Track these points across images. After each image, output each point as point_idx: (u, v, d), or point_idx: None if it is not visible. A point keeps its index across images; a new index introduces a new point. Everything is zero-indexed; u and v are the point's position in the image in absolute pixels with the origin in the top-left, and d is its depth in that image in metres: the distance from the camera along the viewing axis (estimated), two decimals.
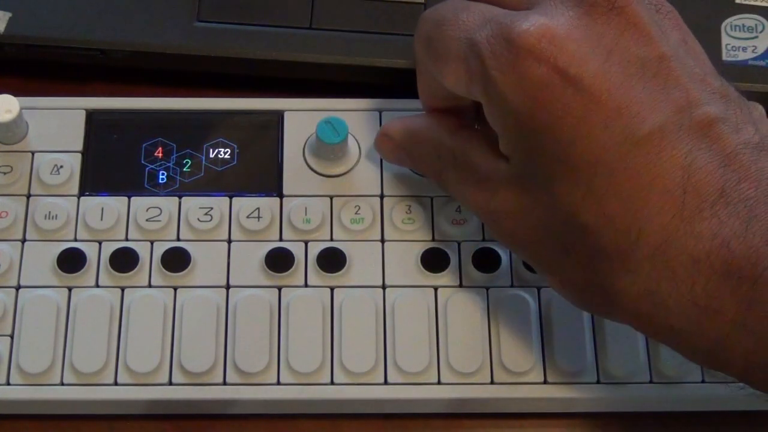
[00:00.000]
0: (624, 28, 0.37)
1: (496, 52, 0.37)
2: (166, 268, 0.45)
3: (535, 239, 0.40)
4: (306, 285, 0.46)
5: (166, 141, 0.48)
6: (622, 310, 0.38)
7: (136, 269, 0.45)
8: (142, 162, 0.48)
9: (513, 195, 0.40)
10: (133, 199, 0.47)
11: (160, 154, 0.48)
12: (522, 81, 0.37)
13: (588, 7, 0.37)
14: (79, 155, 0.48)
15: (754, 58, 0.50)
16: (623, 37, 0.37)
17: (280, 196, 0.47)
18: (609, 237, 0.36)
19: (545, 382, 0.44)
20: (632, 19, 0.37)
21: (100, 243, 0.46)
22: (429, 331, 0.45)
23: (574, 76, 0.36)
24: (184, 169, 0.48)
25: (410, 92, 0.50)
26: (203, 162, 0.48)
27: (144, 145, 0.48)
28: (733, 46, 0.50)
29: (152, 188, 0.47)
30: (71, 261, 0.45)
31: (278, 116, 0.49)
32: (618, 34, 0.37)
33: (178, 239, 0.46)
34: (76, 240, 0.46)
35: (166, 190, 0.47)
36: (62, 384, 0.44)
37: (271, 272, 0.46)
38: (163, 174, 0.48)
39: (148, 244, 0.46)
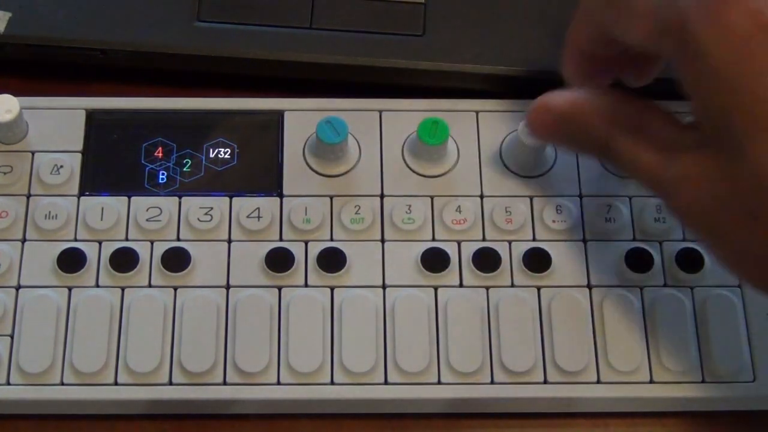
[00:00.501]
0: None
1: (699, 3, 0.36)
2: (166, 268, 0.45)
3: (717, 208, 0.38)
4: (306, 285, 0.46)
5: (166, 141, 0.48)
6: None
7: (136, 269, 0.45)
8: (142, 162, 0.48)
9: (699, 160, 0.38)
10: (133, 199, 0.47)
11: (160, 154, 0.48)
12: (725, 33, 0.36)
13: None
14: (79, 155, 0.48)
15: None
16: None
17: (280, 196, 0.47)
18: None
19: (545, 382, 0.44)
20: None
21: (100, 243, 0.46)
22: (429, 331, 0.45)
23: None
24: (184, 169, 0.48)
25: (410, 92, 0.50)
26: (203, 162, 0.48)
27: (144, 145, 0.48)
28: None
29: (152, 188, 0.47)
30: (71, 261, 0.45)
31: (278, 116, 0.49)
32: None
33: (178, 239, 0.46)
34: (76, 240, 0.46)
35: (166, 190, 0.47)
36: (62, 384, 0.44)
37: (271, 272, 0.46)
38: (163, 174, 0.48)
39: (148, 244, 0.46)
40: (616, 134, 0.41)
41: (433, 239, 0.47)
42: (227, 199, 0.47)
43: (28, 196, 0.47)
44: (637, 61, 0.44)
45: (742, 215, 0.37)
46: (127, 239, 0.46)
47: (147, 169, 0.48)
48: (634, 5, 0.39)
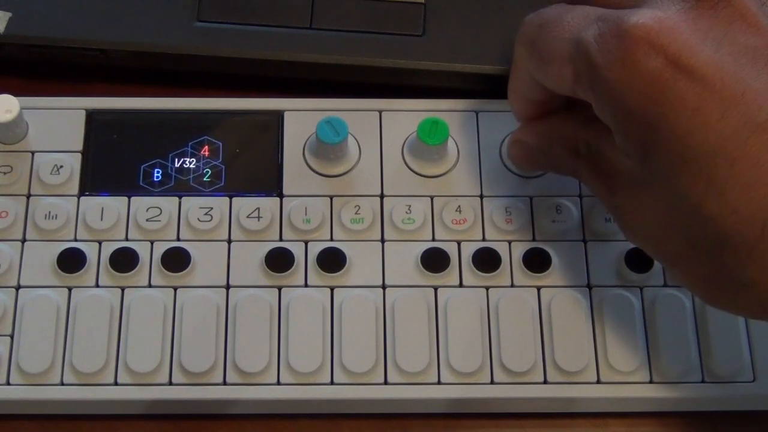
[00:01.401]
0: (732, 18, 0.37)
1: (606, 49, 0.37)
2: (166, 268, 0.45)
3: (660, 234, 0.39)
4: (306, 285, 0.46)
5: (166, 141, 0.48)
6: (753, 301, 0.37)
7: (136, 269, 0.45)
8: (142, 162, 0.48)
9: (635, 191, 0.40)
10: (133, 199, 0.47)
11: (160, 154, 0.48)
12: (634, 76, 0.37)
13: (695, 1, 0.37)
14: (79, 155, 0.48)
15: None
16: (732, 28, 0.37)
17: (280, 196, 0.47)
18: (734, 227, 0.36)
19: (545, 382, 0.44)
20: (740, 10, 0.37)
21: (100, 243, 0.46)
22: (429, 331, 0.45)
23: (687, 65, 0.36)
24: (184, 169, 0.48)
25: (410, 92, 0.50)
26: (203, 162, 0.48)
27: (143, 145, 0.48)
28: None
29: (152, 188, 0.47)
30: (71, 261, 0.45)
31: (278, 116, 0.49)
32: (727, 24, 0.37)
33: (178, 239, 0.46)
34: (76, 240, 0.46)
35: (166, 190, 0.47)
36: (62, 384, 0.44)
37: (271, 272, 0.46)
38: (163, 174, 0.48)
39: (148, 244, 0.46)
40: (579, 164, 0.43)
41: (433, 239, 0.47)
42: (227, 199, 0.47)
43: (28, 196, 0.47)
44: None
45: (682, 243, 0.38)
46: (127, 239, 0.46)
47: (146, 169, 0.48)
48: (549, 54, 0.40)
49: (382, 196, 0.48)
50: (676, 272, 0.40)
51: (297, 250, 0.46)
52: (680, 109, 0.36)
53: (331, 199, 0.47)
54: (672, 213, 0.38)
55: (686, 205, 0.37)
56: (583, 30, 0.39)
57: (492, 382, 0.44)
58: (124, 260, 0.46)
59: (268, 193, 0.48)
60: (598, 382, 0.44)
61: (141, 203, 0.47)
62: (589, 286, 0.46)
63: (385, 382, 0.44)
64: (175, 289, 0.45)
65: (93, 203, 0.47)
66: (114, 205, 0.47)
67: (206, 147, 0.48)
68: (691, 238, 0.38)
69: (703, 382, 0.45)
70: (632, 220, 0.41)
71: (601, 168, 0.42)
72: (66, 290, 0.45)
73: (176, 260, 0.46)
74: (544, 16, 0.41)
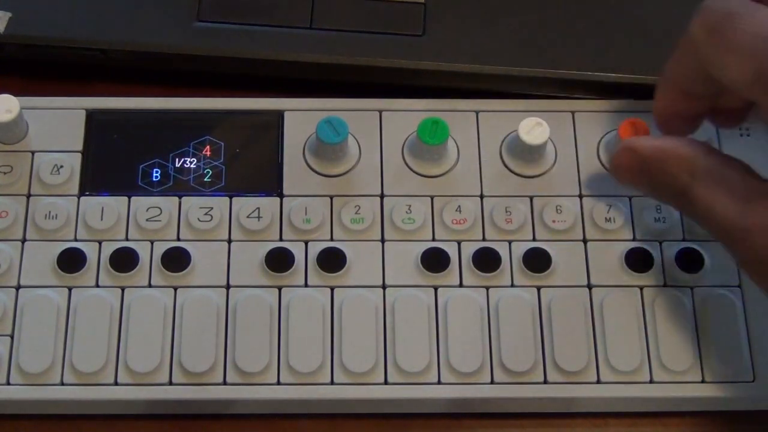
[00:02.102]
0: None
1: None
2: (166, 268, 0.45)
3: None
4: (306, 285, 0.46)
5: (166, 141, 0.48)
6: None
7: (136, 269, 0.45)
8: (142, 162, 0.48)
9: None
10: (133, 199, 0.47)
11: (160, 154, 0.48)
12: None
13: None
14: (79, 155, 0.48)
15: None
16: None
17: (280, 196, 0.47)
18: None
19: (545, 382, 0.44)
20: None
21: (100, 243, 0.46)
22: (429, 331, 0.45)
23: None
24: (184, 169, 0.48)
25: (410, 92, 0.50)
26: (203, 162, 0.48)
27: (144, 145, 0.48)
28: None
29: (152, 188, 0.47)
30: (71, 261, 0.45)
31: (278, 116, 0.49)
32: None
33: (178, 239, 0.46)
34: (76, 240, 0.46)
35: (166, 189, 0.47)
36: (62, 384, 0.44)
37: (271, 272, 0.46)
38: (163, 174, 0.48)
39: (148, 244, 0.46)
40: (695, 183, 0.41)
41: (433, 239, 0.47)
42: (227, 199, 0.47)
43: (28, 196, 0.47)
44: (730, 103, 0.44)
45: None
46: (127, 239, 0.46)
47: (146, 169, 0.48)
48: (734, 43, 0.39)
49: (382, 196, 0.48)
50: None
51: (297, 250, 0.46)
52: None
53: (331, 199, 0.47)
54: None
55: None
56: None
57: (492, 382, 0.44)
58: (124, 260, 0.46)
59: (268, 193, 0.48)
60: (598, 382, 0.44)
61: (141, 203, 0.47)
62: (589, 286, 0.46)
63: (385, 382, 0.44)
64: (175, 289, 0.45)
65: (93, 203, 0.47)
66: (114, 205, 0.47)
67: (207, 147, 0.48)
68: None
69: (703, 382, 0.45)
70: (763, 242, 0.38)
71: (729, 190, 0.40)
72: (66, 290, 0.45)
73: (176, 260, 0.46)
74: (732, 6, 0.40)
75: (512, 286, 0.46)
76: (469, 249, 0.46)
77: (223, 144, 0.48)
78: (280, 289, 0.46)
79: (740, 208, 0.39)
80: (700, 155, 0.42)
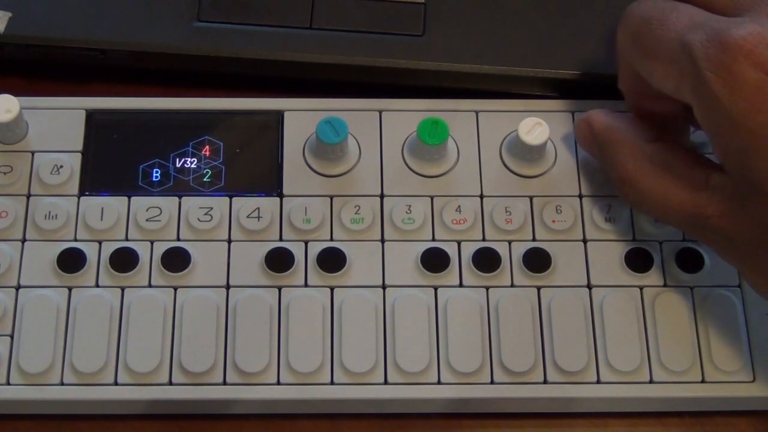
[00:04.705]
0: None
1: (711, 56, 0.37)
2: (166, 268, 0.45)
3: (746, 242, 0.39)
4: (306, 285, 0.46)
5: (166, 141, 0.48)
6: None
7: (136, 269, 0.45)
8: (142, 162, 0.48)
9: (725, 198, 0.39)
10: (133, 199, 0.47)
11: (160, 154, 0.48)
12: (736, 84, 0.37)
13: None
14: (79, 155, 0.48)
15: None
16: None
17: (280, 196, 0.47)
18: None
19: (545, 382, 0.44)
20: None
21: (100, 243, 0.46)
22: (429, 331, 0.45)
23: None
24: (184, 169, 0.48)
25: (410, 92, 0.50)
26: (203, 162, 0.48)
27: (144, 145, 0.48)
28: None
29: (152, 188, 0.47)
30: (71, 261, 0.45)
31: (278, 116, 0.49)
32: None
33: (178, 239, 0.46)
34: (76, 240, 0.46)
35: (166, 189, 0.47)
36: (62, 384, 0.44)
37: (271, 272, 0.46)
38: (162, 174, 0.48)
39: (148, 244, 0.46)
40: (642, 172, 0.42)
41: (433, 239, 0.47)
42: (227, 199, 0.47)
43: (28, 196, 0.47)
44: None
45: None
46: (127, 239, 0.46)
47: (146, 169, 0.48)
48: (654, 51, 0.40)
49: (382, 196, 0.48)
50: (760, 279, 0.40)
51: (297, 250, 0.46)
52: None
53: (331, 199, 0.47)
54: (763, 220, 0.38)
55: None
56: (689, 33, 0.38)
57: (492, 382, 0.44)
58: (124, 260, 0.46)
59: (268, 193, 0.48)
60: (598, 382, 0.44)
61: (141, 203, 0.47)
62: (589, 286, 0.46)
63: (385, 382, 0.44)
64: (175, 289, 0.45)
65: (93, 203, 0.47)
66: (114, 205, 0.47)
67: (207, 147, 0.48)
68: None
69: (703, 382, 0.45)
70: (717, 228, 0.40)
71: (679, 179, 0.41)
72: (66, 290, 0.45)
73: (176, 260, 0.46)
74: (648, 11, 0.41)
75: (512, 286, 0.46)
76: (469, 249, 0.46)
77: (222, 144, 0.48)
78: (280, 289, 0.46)
79: (692, 197, 0.40)
80: (643, 142, 0.43)
